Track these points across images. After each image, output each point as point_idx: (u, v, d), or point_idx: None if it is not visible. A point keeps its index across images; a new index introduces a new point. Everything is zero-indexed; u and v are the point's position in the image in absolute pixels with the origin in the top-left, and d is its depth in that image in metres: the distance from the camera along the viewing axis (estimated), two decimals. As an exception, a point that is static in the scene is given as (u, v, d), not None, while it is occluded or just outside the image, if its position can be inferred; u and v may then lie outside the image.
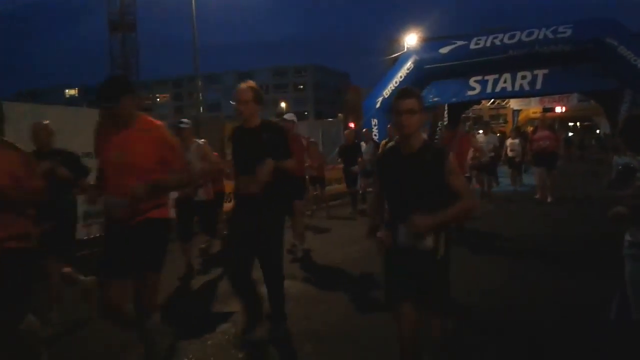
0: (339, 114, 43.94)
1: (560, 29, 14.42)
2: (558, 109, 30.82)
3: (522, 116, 33.11)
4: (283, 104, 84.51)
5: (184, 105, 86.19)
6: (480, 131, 17.09)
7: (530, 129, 13.84)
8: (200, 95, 26.50)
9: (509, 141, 14.54)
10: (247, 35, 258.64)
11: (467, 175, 9.59)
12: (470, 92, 16.73)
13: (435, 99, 17.33)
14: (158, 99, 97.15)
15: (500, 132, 26.04)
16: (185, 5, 23.36)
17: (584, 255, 6.83)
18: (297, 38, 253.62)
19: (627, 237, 3.41)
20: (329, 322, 4.79)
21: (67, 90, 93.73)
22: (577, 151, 30.28)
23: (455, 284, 3.20)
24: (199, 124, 11.73)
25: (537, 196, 12.18)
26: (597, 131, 41.84)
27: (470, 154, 9.69)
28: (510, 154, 14.07)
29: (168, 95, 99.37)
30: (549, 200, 11.84)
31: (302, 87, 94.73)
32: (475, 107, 27.24)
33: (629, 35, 13.86)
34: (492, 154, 12.56)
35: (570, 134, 39.22)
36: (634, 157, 3.14)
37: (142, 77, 57.69)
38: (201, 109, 26.13)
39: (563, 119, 40.09)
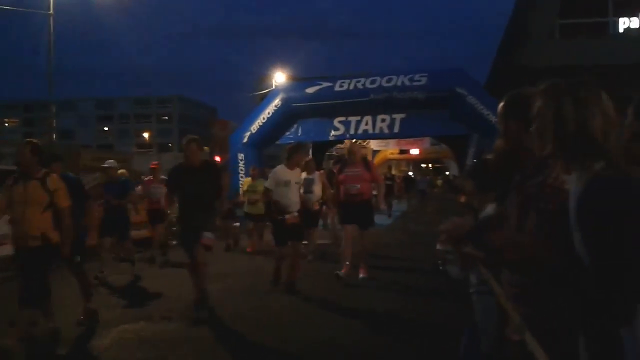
0: (205, 147, 43.39)
1: (416, 77, 15.48)
2: (413, 151, 32.98)
3: (379, 157, 34.83)
4: (146, 135, 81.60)
5: (35, 132, 79.96)
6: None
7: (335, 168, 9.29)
8: (54, 121, 24.93)
9: (302, 175, 9.85)
10: (107, 62, 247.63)
11: None
12: (334, 132, 17.36)
13: (302, 137, 17.80)
14: (7, 124, 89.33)
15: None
16: (42, 26, 22.08)
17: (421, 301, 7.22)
18: (163, 68, 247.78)
19: (473, 278, 3.69)
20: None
21: None
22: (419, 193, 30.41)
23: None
24: (51, 151, 10.90)
25: (342, 271, 7.79)
26: (447, 173, 45.43)
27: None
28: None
29: (18, 120, 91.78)
30: (360, 276, 7.87)
31: (166, 118, 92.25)
32: (339, 145, 28.28)
33: (476, 86, 15.27)
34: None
35: (411, 173, 41.35)
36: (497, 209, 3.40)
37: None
38: (54, 136, 24.38)
39: (417, 160, 43.11)
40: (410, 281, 7.95)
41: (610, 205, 1.44)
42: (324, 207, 10.32)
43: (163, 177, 9.50)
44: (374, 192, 8.51)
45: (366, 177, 7.91)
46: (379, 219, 14.62)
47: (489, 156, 4.08)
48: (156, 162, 10.67)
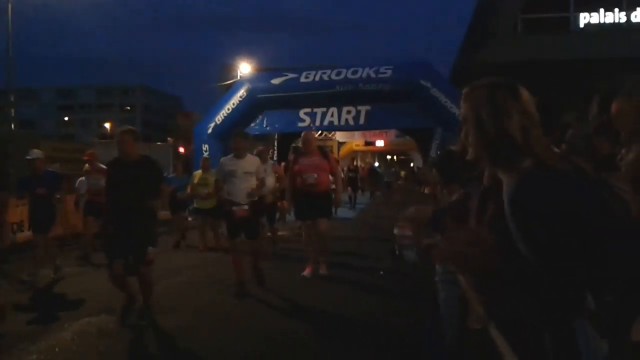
0: (169, 138, 42.80)
1: (382, 69, 15.56)
2: (378, 143, 33.18)
3: (345, 149, 34.94)
4: (107, 125, 79.96)
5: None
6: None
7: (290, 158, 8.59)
8: (13, 110, 24.22)
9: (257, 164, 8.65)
10: (69, 51, 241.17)
11: None
12: (300, 124, 17.35)
13: (268, 128, 17.74)
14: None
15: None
16: (1, 13, 21.45)
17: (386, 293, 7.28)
18: (126, 58, 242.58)
19: (439, 267, 3.72)
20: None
21: None
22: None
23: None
24: (10, 141, 10.50)
25: (306, 272, 7.52)
26: (411, 164, 45.91)
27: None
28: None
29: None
30: (321, 271, 7.54)
31: (129, 108, 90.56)
32: (305, 137, 28.22)
33: (441, 79, 15.43)
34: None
35: (376, 164, 42.11)
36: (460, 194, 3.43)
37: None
38: (12, 125, 23.68)
39: (383, 152, 43.49)
40: (370, 278, 7.69)
41: (538, 202, 1.45)
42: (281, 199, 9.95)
43: (101, 165, 8.85)
44: (333, 187, 8.04)
45: (324, 167, 7.45)
46: (342, 212, 14.67)
47: (454, 147, 4.11)
48: (91, 152, 9.91)
